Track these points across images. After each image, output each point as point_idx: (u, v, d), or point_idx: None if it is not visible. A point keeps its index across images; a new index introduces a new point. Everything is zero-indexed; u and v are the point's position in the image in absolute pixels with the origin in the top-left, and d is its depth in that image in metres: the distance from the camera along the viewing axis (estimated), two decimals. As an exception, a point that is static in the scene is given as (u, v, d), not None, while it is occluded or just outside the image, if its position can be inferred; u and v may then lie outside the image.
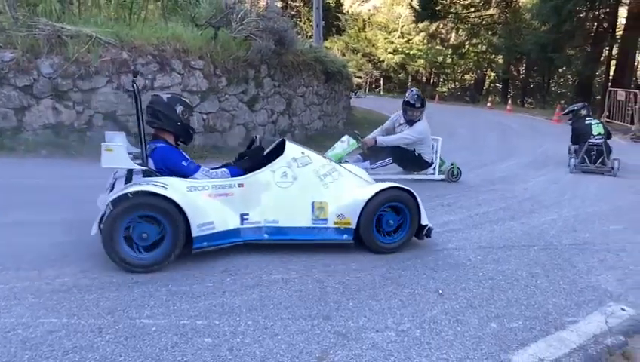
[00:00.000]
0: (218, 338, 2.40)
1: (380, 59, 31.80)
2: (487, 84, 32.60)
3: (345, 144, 5.80)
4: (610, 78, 21.29)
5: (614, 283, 3.37)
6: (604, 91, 18.89)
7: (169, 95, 3.73)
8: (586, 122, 8.50)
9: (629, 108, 15.10)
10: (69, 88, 6.95)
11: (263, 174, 3.60)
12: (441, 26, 29.59)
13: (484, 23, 28.39)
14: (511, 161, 8.87)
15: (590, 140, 8.18)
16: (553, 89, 29.06)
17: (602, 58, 22.83)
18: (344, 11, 33.52)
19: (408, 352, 2.38)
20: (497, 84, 32.05)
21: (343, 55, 28.95)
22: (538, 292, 3.16)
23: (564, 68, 26.04)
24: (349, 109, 13.50)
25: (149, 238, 3.13)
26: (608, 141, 8.40)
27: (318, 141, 9.12)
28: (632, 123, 14.95)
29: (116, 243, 3.05)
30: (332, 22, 32.20)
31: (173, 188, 3.20)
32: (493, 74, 31.96)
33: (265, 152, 3.96)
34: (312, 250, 3.62)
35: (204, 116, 7.94)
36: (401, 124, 6.63)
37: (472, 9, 28.28)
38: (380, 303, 2.88)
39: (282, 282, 3.10)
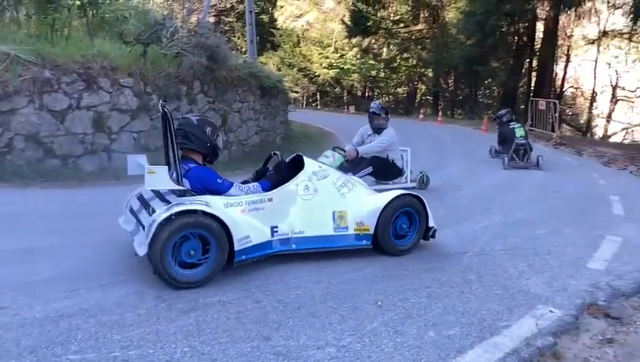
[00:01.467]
0: (152, 369, 2.29)
1: (316, 74, 32.10)
2: (418, 96, 33.60)
3: (331, 159, 5.80)
4: (532, 88, 22.60)
5: (542, 286, 3.53)
6: (527, 101, 19.99)
7: (197, 117, 3.84)
8: (510, 126, 9.98)
9: (550, 117, 16.08)
10: (-15, 109, 6.52)
11: (289, 188, 3.83)
12: (373, 41, 30.23)
13: (413, 38, 29.38)
14: (444, 170, 9.16)
15: (516, 141, 9.51)
16: (480, 100, 30.34)
17: (524, 70, 24.20)
18: (278, 27, 33.58)
19: (349, 368, 2.37)
20: (428, 97, 33.12)
21: (279, 70, 28.90)
22: (473, 299, 3.25)
23: (489, 80, 27.39)
24: (286, 124, 13.52)
25: (196, 255, 3.23)
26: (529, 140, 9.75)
27: (256, 157, 9.02)
28: (552, 130, 15.93)
29: (166, 261, 3.11)
30: (266, 37, 32.21)
31: (214, 205, 3.34)
32: (424, 87, 33.06)
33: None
34: (248, 269, 3.55)
35: (135, 135, 7.68)
36: (369, 135, 6.87)
37: (402, 24, 29.23)
38: (321, 319, 2.86)
39: (219, 304, 3.01)
